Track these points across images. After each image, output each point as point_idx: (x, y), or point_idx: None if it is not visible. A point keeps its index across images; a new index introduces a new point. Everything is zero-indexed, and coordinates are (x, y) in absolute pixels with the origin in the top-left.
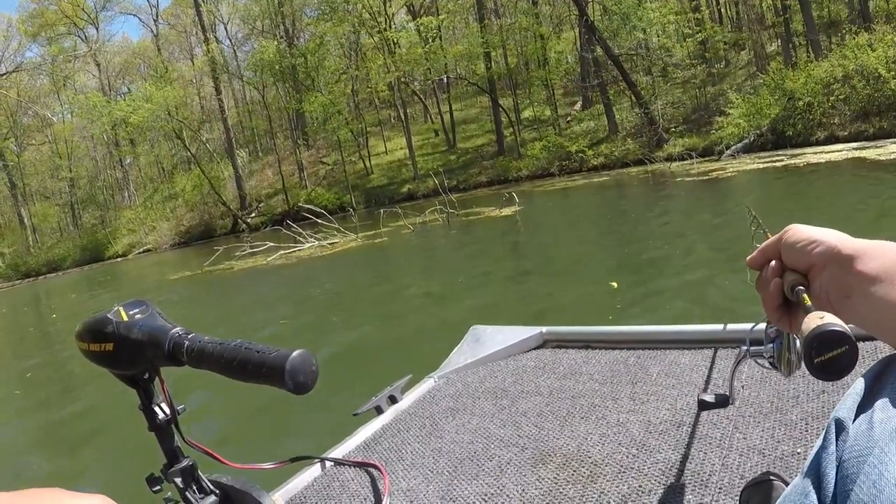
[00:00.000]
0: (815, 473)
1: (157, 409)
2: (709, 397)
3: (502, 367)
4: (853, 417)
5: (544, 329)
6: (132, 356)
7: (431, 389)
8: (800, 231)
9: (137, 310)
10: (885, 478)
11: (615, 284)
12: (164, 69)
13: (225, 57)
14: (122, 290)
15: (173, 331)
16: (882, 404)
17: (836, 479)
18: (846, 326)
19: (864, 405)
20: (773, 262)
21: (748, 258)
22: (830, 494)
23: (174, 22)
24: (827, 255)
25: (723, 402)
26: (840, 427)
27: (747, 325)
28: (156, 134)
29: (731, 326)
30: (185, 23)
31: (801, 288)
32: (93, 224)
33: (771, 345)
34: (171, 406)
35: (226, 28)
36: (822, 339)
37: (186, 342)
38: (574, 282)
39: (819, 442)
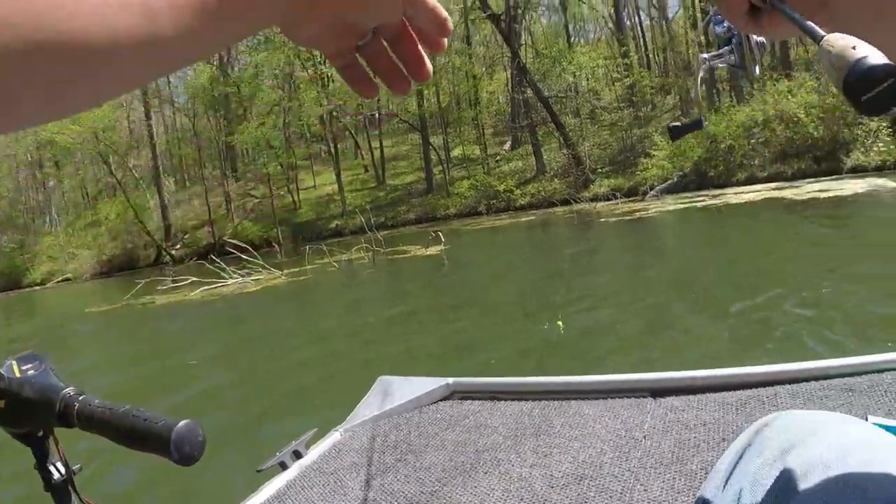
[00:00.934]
0: None
1: (52, 468)
2: (678, 122)
3: (408, 419)
4: (720, 494)
5: (451, 380)
6: (23, 415)
7: (337, 443)
8: None
9: (30, 365)
10: None
11: (561, 324)
12: None
13: (157, 81)
14: (38, 321)
15: (65, 391)
16: (749, 483)
17: None
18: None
19: (731, 482)
20: None
21: None
22: None
23: None
24: None
25: (696, 124)
26: None
27: (652, 375)
28: (82, 157)
29: (633, 376)
30: None
31: None
32: (11, 248)
33: (728, 47)
34: (66, 466)
35: None
36: (868, 75)
37: (77, 404)
38: (496, 323)
39: None
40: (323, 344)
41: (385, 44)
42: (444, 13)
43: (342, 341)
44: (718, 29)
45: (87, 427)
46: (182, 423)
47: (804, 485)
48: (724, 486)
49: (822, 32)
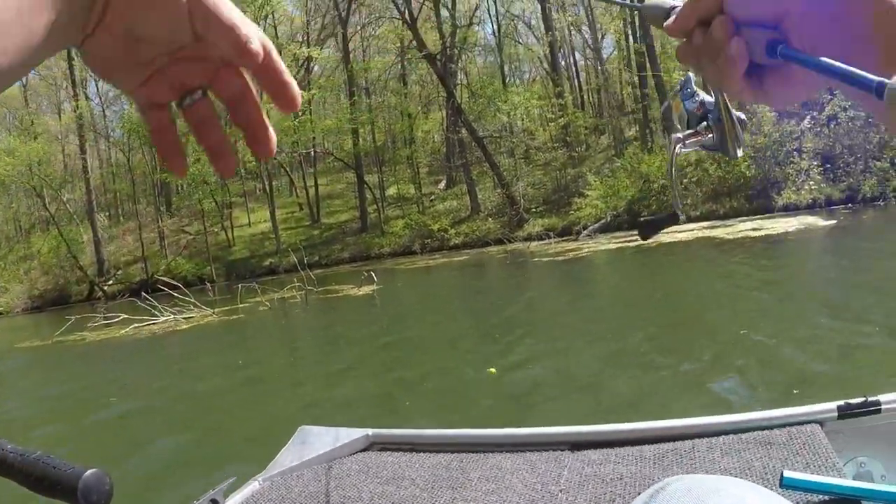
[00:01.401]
0: None
1: None
2: (650, 217)
3: (327, 470)
4: None
5: (370, 431)
6: None
7: (255, 493)
8: None
9: None
10: None
11: (493, 371)
12: (31, 122)
13: (93, 115)
14: None
15: None
16: None
17: None
18: None
19: None
20: (718, 19)
21: (667, 25)
22: None
23: (44, 73)
24: None
25: (671, 218)
26: None
27: (571, 428)
28: (15, 189)
29: (552, 429)
30: (55, 74)
31: (784, 45)
32: None
33: (704, 123)
34: None
35: (97, 84)
36: None
37: None
38: (422, 363)
39: None
40: (248, 385)
41: (211, 111)
42: (246, 32)
43: (268, 382)
44: (689, 105)
45: (1, 473)
46: (90, 471)
47: None
48: None
49: (875, 77)
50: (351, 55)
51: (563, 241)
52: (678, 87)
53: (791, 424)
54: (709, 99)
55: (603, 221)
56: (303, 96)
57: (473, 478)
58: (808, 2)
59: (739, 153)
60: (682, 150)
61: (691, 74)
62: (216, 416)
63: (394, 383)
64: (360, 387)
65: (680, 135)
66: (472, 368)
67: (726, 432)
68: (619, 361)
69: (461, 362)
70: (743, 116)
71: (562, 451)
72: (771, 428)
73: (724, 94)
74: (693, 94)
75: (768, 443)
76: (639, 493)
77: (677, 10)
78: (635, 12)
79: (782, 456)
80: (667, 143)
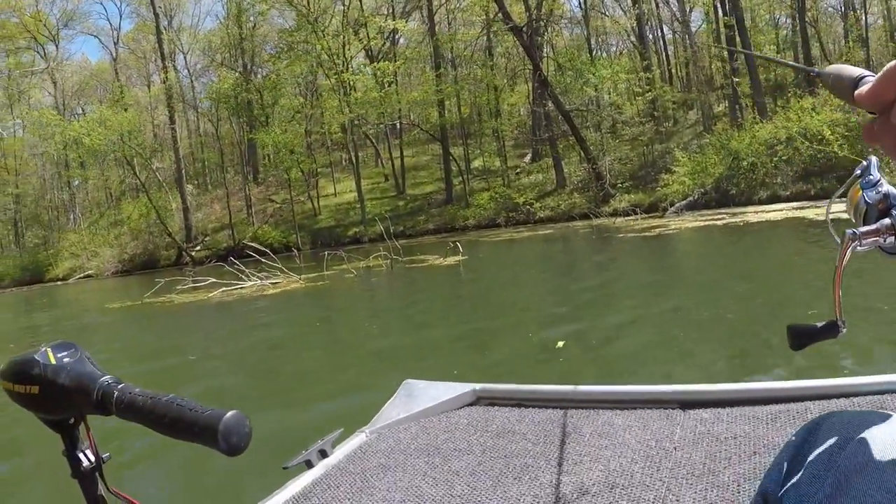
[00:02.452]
0: None
1: (81, 455)
2: (802, 325)
3: (435, 423)
4: (779, 490)
5: (477, 386)
6: (58, 402)
7: (363, 444)
8: None
9: (66, 353)
10: None
11: (561, 343)
12: (121, 93)
13: (182, 86)
14: (60, 314)
15: (102, 379)
16: (808, 477)
17: None
18: None
19: (790, 474)
20: None
21: (859, 95)
22: None
23: (134, 47)
24: None
25: (830, 329)
26: (766, 501)
27: (681, 387)
28: (107, 159)
29: (662, 387)
30: (144, 48)
31: None
32: (35, 244)
33: (887, 221)
34: (95, 454)
35: (185, 57)
36: None
37: (116, 392)
38: (508, 335)
39: None
40: (341, 347)
41: None
42: None
43: (361, 345)
44: (870, 195)
45: (127, 415)
46: (230, 413)
47: (861, 475)
48: (784, 481)
49: None
50: (436, 27)
51: (648, 217)
52: (857, 171)
53: None
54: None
55: (690, 199)
56: (389, 67)
57: (585, 433)
58: None
59: None
60: (858, 249)
61: (874, 158)
62: (313, 373)
63: (477, 349)
64: (448, 350)
65: (856, 231)
66: (550, 338)
67: (839, 395)
68: (698, 337)
69: (541, 332)
70: None
71: (672, 409)
72: (884, 393)
73: None
74: (876, 183)
75: (882, 407)
76: (755, 453)
77: (869, 79)
78: None
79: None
80: (835, 238)
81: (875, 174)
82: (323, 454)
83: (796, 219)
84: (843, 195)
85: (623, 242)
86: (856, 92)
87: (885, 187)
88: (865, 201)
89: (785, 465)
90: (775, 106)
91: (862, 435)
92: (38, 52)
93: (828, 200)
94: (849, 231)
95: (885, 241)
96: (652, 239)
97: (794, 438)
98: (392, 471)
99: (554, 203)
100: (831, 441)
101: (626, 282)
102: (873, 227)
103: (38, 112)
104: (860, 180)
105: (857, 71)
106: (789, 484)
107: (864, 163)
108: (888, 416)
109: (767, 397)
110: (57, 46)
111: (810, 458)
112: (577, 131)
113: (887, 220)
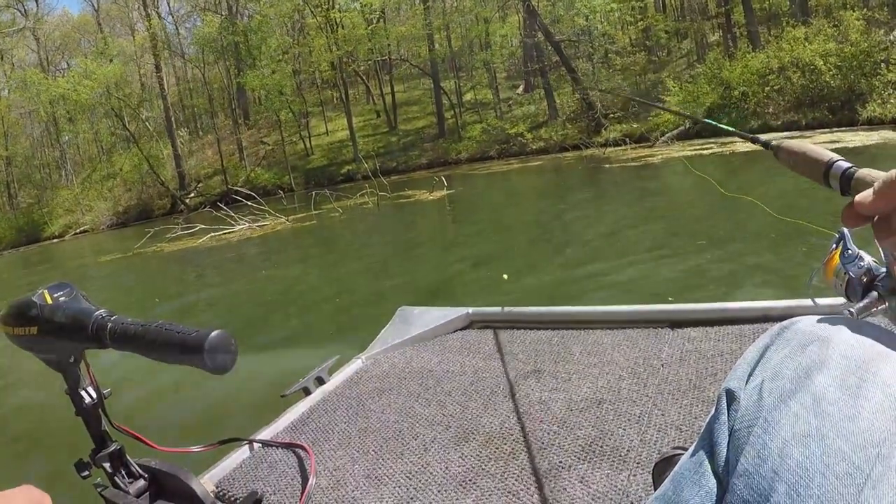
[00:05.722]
0: (709, 443)
1: (83, 393)
2: None
3: (429, 347)
4: (743, 387)
5: (470, 310)
6: (56, 339)
7: (359, 370)
8: None
9: (62, 292)
10: (769, 447)
11: (506, 276)
12: (105, 44)
13: (167, 33)
14: (54, 271)
15: (97, 313)
16: (771, 374)
17: (727, 449)
18: None
19: (754, 375)
20: None
21: (857, 201)
22: (723, 463)
23: None
24: None
25: None
26: (731, 397)
27: (671, 306)
28: (95, 112)
29: (652, 307)
30: None
31: None
32: (29, 204)
33: (874, 295)
34: (97, 390)
35: (168, 3)
36: None
37: (109, 324)
38: (486, 267)
39: (712, 412)
40: (328, 281)
41: None
42: None
43: (349, 278)
44: (853, 269)
45: (121, 345)
46: (215, 332)
47: (823, 372)
48: (748, 379)
49: None
50: None
51: (638, 147)
52: (833, 245)
53: None
54: (875, 264)
55: (681, 128)
56: (375, 3)
57: (575, 352)
58: None
59: None
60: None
61: (846, 230)
62: (306, 307)
63: (456, 280)
64: (432, 281)
65: (853, 309)
66: (502, 270)
67: (824, 313)
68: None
69: (522, 266)
70: None
71: (662, 328)
72: None
73: None
74: (855, 258)
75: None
76: None
77: (842, 164)
78: None
79: None
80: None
81: (853, 248)
82: (320, 381)
83: None
84: (820, 273)
85: (613, 172)
86: (856, 199)
87: (866, 260)
88: (849, 275)
89: (752, 363)
90: (769, 35)
91: (825, 334)
92: (17, 10)
93: (812, 270)
94: (846, 311)
95: (883, 310)
96: (640, 168)
97: (763, 340)
98: (387, 394)
99: (546, 134)
100: (796, 340)
101: (613, 211)
102: (864, 303)
103: (23, 72)
104: (841, 256)
105: (826, 154)
106: (753, 380)
107: (837, 235)
108: (855, 320)
109: (754, 316)
110: (37, 2)
111: (774, 357)
112: (566, 61)
113: (875, 294)
